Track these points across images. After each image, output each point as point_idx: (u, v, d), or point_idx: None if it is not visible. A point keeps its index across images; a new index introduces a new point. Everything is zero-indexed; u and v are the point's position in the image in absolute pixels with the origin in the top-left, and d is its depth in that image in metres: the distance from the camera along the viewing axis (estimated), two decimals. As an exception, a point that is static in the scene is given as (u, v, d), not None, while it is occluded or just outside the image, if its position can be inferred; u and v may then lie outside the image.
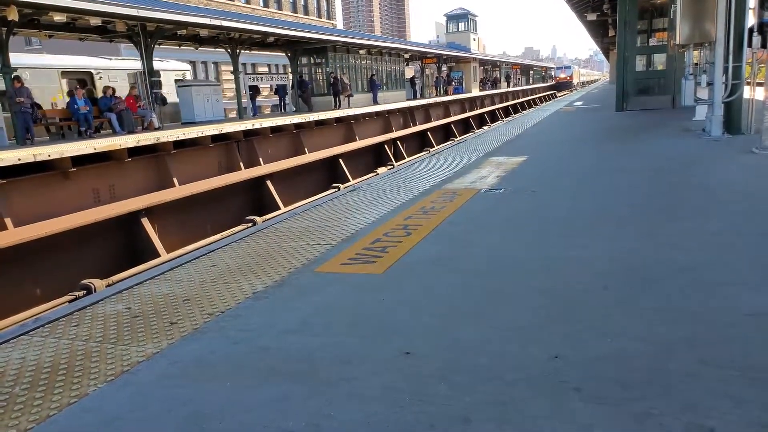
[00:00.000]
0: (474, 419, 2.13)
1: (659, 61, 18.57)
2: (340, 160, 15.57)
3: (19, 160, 10.44)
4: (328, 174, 15.41)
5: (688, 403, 2.14)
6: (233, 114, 29.02)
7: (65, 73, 20.50)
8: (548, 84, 79.97)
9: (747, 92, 10.76)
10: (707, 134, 10.40)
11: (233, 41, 23.15)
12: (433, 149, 18.81)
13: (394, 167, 14.16)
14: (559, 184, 7.01)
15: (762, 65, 11.80)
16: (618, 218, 5.08)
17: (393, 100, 32.75)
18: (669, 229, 4.59)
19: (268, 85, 30.33)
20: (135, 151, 13.29)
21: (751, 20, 10.58)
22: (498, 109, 32.73)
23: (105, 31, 18.69)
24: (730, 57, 10.02)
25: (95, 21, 16.76)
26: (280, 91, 26.48)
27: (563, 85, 77.57)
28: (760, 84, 11.36)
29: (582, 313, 3.05)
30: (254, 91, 24.78)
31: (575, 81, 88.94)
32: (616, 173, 7.43)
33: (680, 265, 3.71)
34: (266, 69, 41.65)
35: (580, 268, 3.78)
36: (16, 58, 15.53)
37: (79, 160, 11.71)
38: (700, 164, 7.78)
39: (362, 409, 2.24)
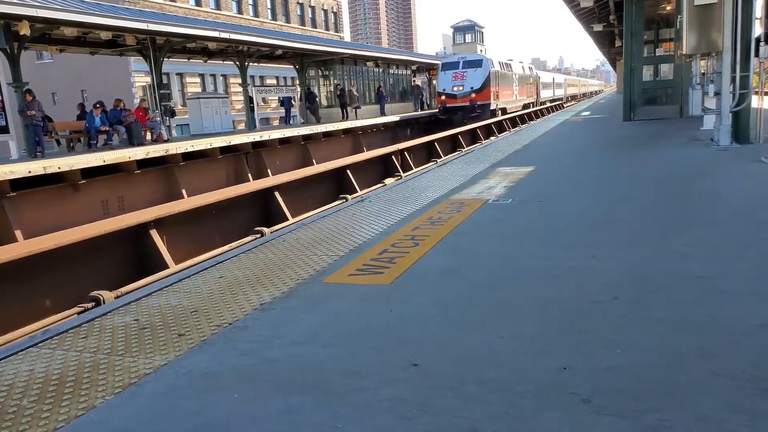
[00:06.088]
0: (483, 431, 2.11)
1: (666, 70, 18.55)
2: (348, 171, 15.60)
3: (30, 172, 10.54)
4: (336, 185, 15.44)
5: (701, 415, 2.11)
6: (242, 126, 29.19)
7: None
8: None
9: (755, 102, 10.72)
10: (716, 144, 10.35)
11: (242, 54, 23.37)
12: (441, 160, 18.83)
13: (401, 178, 14.18)
14: (567, 193, 6.99)
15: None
16: (627, 228, 5.05)
17: (400, 112, 32.86)
18: (679, 238, 4.55)
19: (276, 97, 30.53)
20: (144, 163, 13.39)
21: (757, 30, 10.56)
22: (505, 119, 32.65)
23: (115, 44, 18.94)
24: (737, 66, 10.00)
25: (106, 35, 16.99)
26: (285, 103, 26.61)
27: (460, 115, 29.93)
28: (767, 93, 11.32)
29: (592, 323, 3.03)
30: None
31: (499, 101, 33.26)
32: (625, 183, 7.39)
33: (691, 274, 3.67)
34: (274, 81, 41.99)
35: (590, 278, 3.76)
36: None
37: (88, 173, 11.81)
38: (709, 174, 7.73)
39: (370, 421, 2.23)
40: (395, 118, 27.99)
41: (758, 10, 10.51)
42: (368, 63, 32.20)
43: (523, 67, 42.80)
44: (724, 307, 3.12)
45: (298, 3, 47.50)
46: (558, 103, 55.71)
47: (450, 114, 30.69)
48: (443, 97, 31.60)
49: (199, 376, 2.73)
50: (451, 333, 3.03)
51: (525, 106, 41.27)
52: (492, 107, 31.85)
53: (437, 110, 32.48)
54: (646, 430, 2.05)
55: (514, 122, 33.11)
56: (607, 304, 3.28)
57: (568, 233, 5.02)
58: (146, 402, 2.51)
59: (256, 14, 42.50)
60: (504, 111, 34.59)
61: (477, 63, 32.14)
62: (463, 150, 21.28)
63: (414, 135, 26.97)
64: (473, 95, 30.72)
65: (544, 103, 48.91)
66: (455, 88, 31.23)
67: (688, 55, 10.87)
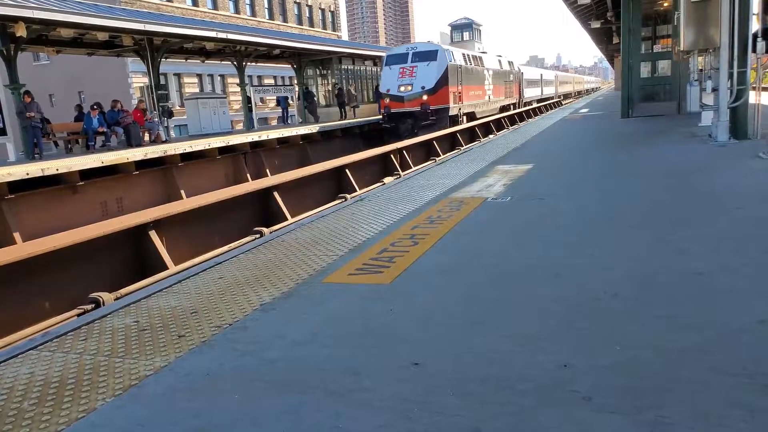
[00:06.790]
0: (484, 429, 2.11)
1: (664, 67, 18.56)
2: (347, 170, 15.59)
3: (28, 174, 10.53)
4: (335, 184, 15.43)
5: (700, 412, 2.11)
6: (240, 126, 29.17)
7: None
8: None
9: (752, 97, 10.72)
10: (713, 140, 10.35)
11: (239, 54, 23.35)
12: (440, 158, 18.82)
13: (400, 176, 14.17)
14: (566, 191, 6.99)
15: (767, 70, 11.77)
16: (626, 225, 5.05)
17: (398, 110, 32.75)
18: (678, 235, 4.56)
19: (274, 97, 30.51)
20: (142, 164, 13.38)
21: (754, 25, 10.56)
22: (503, 117, 32.67)
23: (112, 45, 18.92)
24: (735, 62, 10.00)
25: (102, 36, 16.98)
26: (281, 102, 26.52)
27: (408, 123, 23.32)
28: (765, 89, 11.33)
29: (591, 321, 3.03)
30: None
31: (462, 104, 25.88)
32: (624, 180, 7.40)
33: (690, 271, 3.68)
34: (272, 81, 41.96)
35: (590, 275, 3.76)
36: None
37: (87, 174, 11.80)
38: (708, 170, 7.74)
39: (371, 420, 2.23)
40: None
41: (755, 6, 10.51)
42: (366, 62, 32.19)
43: (500, 61, 35.31)
44: (724, 304, 3.13)
45: (295, 2, 47.44)
46: (553, 101, 51.01)
47: (396, 122, 23.62)
48: (387, 100, 24.00)
49: (200, 377, 2.73)
50: (451, 332, 3.03)
51: (503, 109, 34.30)
52: (452, 112, 24.65)
53: (380, 117, 24.74)
54: (646, 426, 2.05)
55: (512, 120, 33.11)
56: (606, 302, 3.29)
57: (567, 231, 5.02)
58: (147, 404, 2.51)
59: (253, 14, 42.45)
60: (472, 116, 27.38)
61: (430, 55, 24.17)
62: (462, 148, 21.28)
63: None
64: (425, 97, 23.37)
65: (529, 103, 42.04)
66: (402, 88, 23.74)
67: (686, 51, 10.88)
